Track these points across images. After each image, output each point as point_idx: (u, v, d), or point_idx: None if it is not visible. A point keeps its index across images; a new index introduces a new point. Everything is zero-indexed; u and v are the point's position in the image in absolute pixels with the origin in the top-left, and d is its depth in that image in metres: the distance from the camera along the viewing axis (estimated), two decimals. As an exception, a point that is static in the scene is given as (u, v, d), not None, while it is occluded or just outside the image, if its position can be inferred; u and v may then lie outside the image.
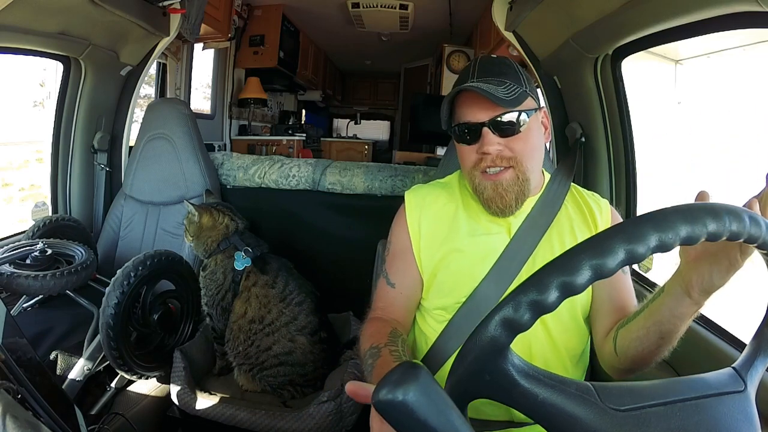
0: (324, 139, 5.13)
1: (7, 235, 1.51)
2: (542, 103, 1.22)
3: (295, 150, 3.78)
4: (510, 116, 0.76)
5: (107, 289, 1.14)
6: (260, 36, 3.31)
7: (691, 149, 1.83)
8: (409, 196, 0.90)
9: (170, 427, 1.34)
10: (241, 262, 1.30)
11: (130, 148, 1.80)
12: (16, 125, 2.27)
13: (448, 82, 3.73)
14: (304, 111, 5.37)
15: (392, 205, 0.93)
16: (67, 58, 1.59)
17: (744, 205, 0.47)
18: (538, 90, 1.52)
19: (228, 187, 1.79)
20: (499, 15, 1.60)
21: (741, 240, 0.38)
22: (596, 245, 0.35)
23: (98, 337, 1.17)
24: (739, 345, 0.81)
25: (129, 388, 1.35)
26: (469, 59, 3.67)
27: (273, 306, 1.28)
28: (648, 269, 1.16)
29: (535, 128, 0.79)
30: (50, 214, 1.63)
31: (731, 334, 0.84)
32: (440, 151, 3.54)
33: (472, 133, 0.78)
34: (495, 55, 0.84)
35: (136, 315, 1.22)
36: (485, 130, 0.76)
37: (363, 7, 3.20)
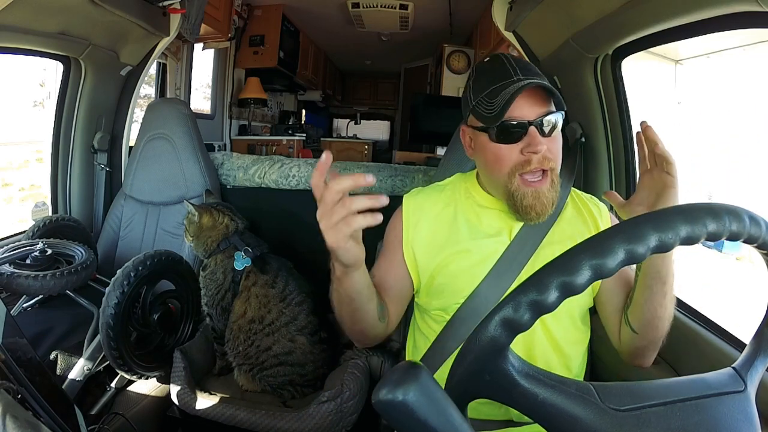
0: (324, 139, 5.13)
1: (7, 235, 1.51)
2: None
3: (295, 150, 3.78)
4: (555, 117, 0.75)
5: (107, 289, 1.13)
6: (260, 36, 3.31)
7: (691, 149, 1.83)
8: (407, 200, 0.89)
9: (170, 427, 1.34)
10: (241, 262, 1.30)
11: (130, 148, 1.80)
12: (16, 125, 2.27)
13: (448, 82, 3.73)
14: (304, 111, 5.37)
15: (392, 205, 0.93)
16: (67, 58, 1.59)
17: None
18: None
19: (228, 187, 1.79)
20: (499, 15, 1.59)
21: (741, 240, 0.38)
22: (596, 245, 0.35)
23: (98, 337, 1.17)
24: (739, 345, 0.81)
25: (129, 388, 1.35)
26: (469, 59, 3.67)
27: (273, 306, 1.28)
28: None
29: (559, 130, 0.78)
30: (50, 214, 1.63)
31: (731, 334, 0.84)
32: (440, 151, 3.53)
33: (516, 132, 0.74)
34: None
35: (136, 315, 1.22)
36: (532, 129, 0.73)
37: (363, 7, 3.20)
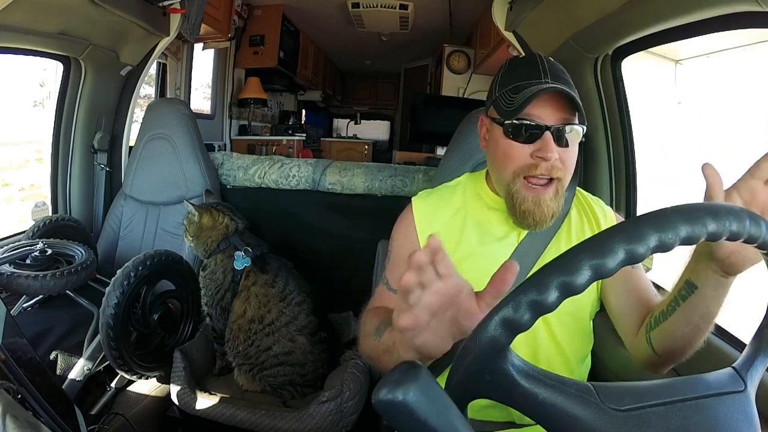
0: (324, 139, 5.12)
1: (7, 235, 1.51)
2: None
3: (295, 150, 3.77)
4: (574, 128, 0.72)
5: (107, 289, 1.14)
6: (260, 36, 3.31)
7: (691, 149, 1.83)
8: (417, 203, 0.86)
9: (170, 427, 1.34)
10: (241, 261, 1.30)
11: (130, 148, 1.80)
12: (16, 125, 2.26)
13: (448, 82, 3.73)
14: (304, 111, 5.37)
15: (392, 205, 0.93)
16: (67, 58, 1.59)
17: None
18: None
19: (228, 187, 1.79)
20: (499, 15, 1.60)
21: (741, 240, 0.38)
22: (596, 245, 0.35)
23: (98, 337, 1.17)
24: (739, 345, 0.81)
25: (129, 388, 1.35)
26: (469, 59, 3.67)
27: (273, 306, 1.28)
28: (648, 269, 1.16)
29: (577, 143, 0.76)
30: (50, 214, 1.63)
31: (731, 334, 0.84)
32: (440, 151, 3.53)
33: (531, 134, 0.72)
34: (552, 59, 0.80)
35: (136, 315, 1.22)
36: (548, 134, 0.71)
37: (363, 7, 3.20)
